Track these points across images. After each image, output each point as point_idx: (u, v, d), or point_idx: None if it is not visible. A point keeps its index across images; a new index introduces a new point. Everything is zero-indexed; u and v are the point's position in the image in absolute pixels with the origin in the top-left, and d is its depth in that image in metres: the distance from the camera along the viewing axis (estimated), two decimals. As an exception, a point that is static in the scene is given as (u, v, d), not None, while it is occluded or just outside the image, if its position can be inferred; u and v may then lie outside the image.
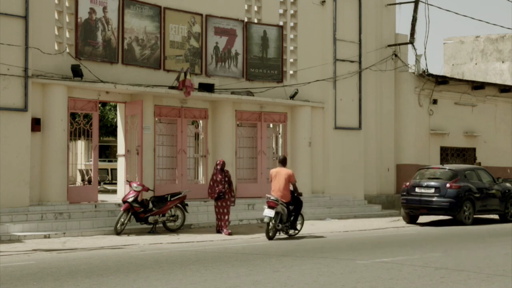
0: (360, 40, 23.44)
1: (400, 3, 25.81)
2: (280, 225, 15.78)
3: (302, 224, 16.60)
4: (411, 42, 25.29)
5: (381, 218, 21.59)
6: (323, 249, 13.47)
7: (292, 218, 16.08)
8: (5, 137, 16.55)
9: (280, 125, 22.85)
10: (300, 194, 16.30)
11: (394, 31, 25.61)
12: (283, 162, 16.49)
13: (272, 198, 15.76)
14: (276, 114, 22.44)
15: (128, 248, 14.16)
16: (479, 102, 28.88)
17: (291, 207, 16.06)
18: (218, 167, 17.03)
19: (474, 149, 28.77)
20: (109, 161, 32.12)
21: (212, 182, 17.02)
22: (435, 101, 27.12)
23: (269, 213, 15.50)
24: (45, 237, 15.75)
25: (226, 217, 16.94)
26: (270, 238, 15.60)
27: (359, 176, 23.37)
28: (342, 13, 23.04)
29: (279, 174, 16.08)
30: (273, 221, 15.61)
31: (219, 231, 16.99)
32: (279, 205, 15.67)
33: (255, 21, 21.87)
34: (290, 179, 16.00)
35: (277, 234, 15.94)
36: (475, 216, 20.09)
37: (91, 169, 20.33)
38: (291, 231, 16.16)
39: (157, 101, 19.94)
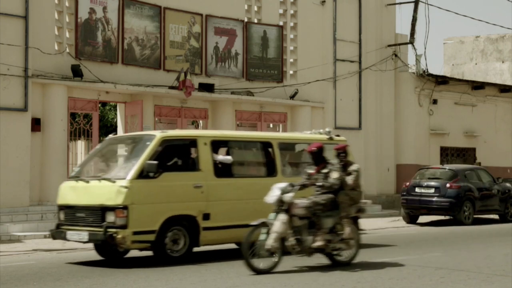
0: (360, 40, 23.44)
1: (400, 3, 25.80)
2: None
3: None
4: (411, 42, 25.27)
5: (381, 218, 21.57)
6: (323, 249, 13.44)
7: None
8: (5, 137, 16.56)
9: (280, 125, 22.84)
10: None
11: (394, 31, 25.59)
12: None
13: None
14: (276, 114, 22.43)
15: (128, 248, 14.11)
16: (479, 102, 28.86)
17: None
18: None
19: (474, 149, 28.74)
20: (109, 161, 32.03)
21: None
22: (435, 101, 27.10)
23: None
24: (45, 237, 15.71)
25: None
26: None
27: (359, 176, 23.30)
28: (342, 13, 23.03)
29: None
30: None
31: None
32: None
33: (255, 21, 21.88)
34: None
35: None
36: (475, 216, 20.06)
37: (91, 169, 20.29)
38: None
39: (157, 101, 19.93)
